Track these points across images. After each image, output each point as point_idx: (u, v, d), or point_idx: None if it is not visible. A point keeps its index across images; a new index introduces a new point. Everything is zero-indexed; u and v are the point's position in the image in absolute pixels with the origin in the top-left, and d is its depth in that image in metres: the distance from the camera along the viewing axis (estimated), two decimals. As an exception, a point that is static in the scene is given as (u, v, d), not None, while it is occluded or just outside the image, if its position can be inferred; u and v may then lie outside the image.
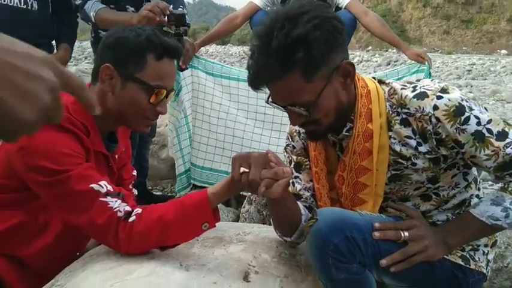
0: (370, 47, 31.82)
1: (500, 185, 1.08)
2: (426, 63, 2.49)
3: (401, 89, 1.07)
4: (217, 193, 1.05)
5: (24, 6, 1.88)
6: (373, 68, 18.62)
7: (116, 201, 1.03)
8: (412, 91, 1.05)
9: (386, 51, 28.79)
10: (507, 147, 0.98)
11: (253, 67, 0.99)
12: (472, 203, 1.15)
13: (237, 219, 2.25)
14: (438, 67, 20.14)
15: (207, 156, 2.69)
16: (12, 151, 1.04)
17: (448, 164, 1.08)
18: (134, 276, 0.97)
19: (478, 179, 1.21)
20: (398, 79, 2.55)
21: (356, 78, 1.10)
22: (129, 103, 1.17)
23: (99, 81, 1.18)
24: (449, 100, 0.99)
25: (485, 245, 1.16)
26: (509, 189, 1.03)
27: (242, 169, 0.97)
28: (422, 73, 2.48)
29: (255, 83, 1.02)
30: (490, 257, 1.17)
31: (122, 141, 1.39)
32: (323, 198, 1.22)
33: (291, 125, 1.32)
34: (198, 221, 1.05)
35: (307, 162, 1.26)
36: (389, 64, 20.79)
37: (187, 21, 1.97)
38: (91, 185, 1.02)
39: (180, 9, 1.97)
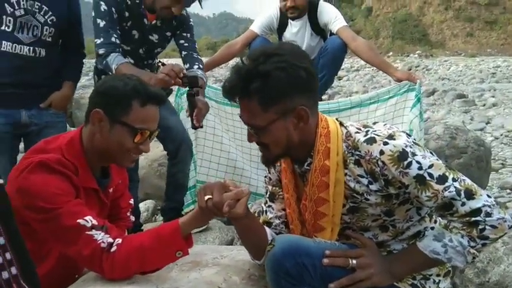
0: (391, 53, 31.55)
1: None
2: (418, 81, 2.58)
3: (356, 132, 1.20)
4: (187, 222, 1.21)
5: (33, 55, 2.08)
6: (394, 75, 18.46)
7: (100, 234, 1.20)
8: (364, 135, 1.18)
9: (408, 56, 28.50)
10: (445, 190, 1.09)
11: (227, 79, 1.19)
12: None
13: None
14: (461, 71, 19.78)
15: (210, 172, 2.84)
16: (11, 192, 1.22)
17: (400, 200, 1.20)
18: (115, 299, 1.12)
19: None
20: (390, 98, 2.65)
21: (319, 118, 1.25)
22: (115, 143, 1.34)
23: (90, 123, 1.35)
24: (394, 146, 1.12)
25: (437, 275, 1.26)
26: (450, 227, 1.13)
27: (206, 197, 1.13)
28: (413, 92, 2.57)
29: (224, 92, 1.21)
30: (442, 285, 1.27)
31: (117, 174, 1.55)
32: (294, 221, 1.36)
33: None
34: (171, 249, 1.20)
35: (281, 193, 1.40)
36: (410, 69, 20.61)
37: (205, 80, 2.18)
38: (78, 220, 1.19)
39: (193, 70, 2.19)
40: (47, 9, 2.08)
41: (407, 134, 1.18)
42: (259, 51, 1.15)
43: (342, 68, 3.37)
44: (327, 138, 1.21)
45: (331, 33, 2.88)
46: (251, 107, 1.16)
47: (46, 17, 2.08)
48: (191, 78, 2.02)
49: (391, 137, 1.14)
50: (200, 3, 2.19)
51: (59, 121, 2.26)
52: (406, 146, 1.12)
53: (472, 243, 1.10)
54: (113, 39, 2.05)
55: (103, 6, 2.05)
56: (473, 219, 1.08)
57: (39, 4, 2.05)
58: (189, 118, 2.69)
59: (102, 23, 2.05)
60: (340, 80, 15.52)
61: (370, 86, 13.66)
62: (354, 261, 1.18)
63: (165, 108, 2.31)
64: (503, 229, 1.10)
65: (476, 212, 1.08)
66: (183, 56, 2.32)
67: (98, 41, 2.05)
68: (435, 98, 10.80)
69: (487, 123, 7.57)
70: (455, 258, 1.11)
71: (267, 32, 3.04)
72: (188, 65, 2.25)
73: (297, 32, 2.94)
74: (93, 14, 2.08)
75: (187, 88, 2.09)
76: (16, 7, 2.01)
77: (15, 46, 2.04)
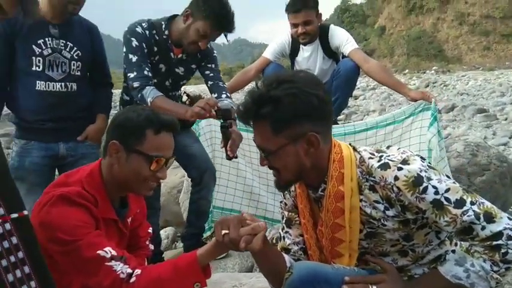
0: (407, 70, 31.40)
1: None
2: (432, 100, 2.56)
3: (369, 158, 1.20)
4: (205, 254, 1.22)
5: (65, 90, 2.20)
6: (411, 92, 18.28)
7: (119, 265, 1.21)
8: (378, 161, 1.17)
9: (424, 73, 28.31)
10: (464, 214, 1.07)
11: (241, 103, 1.21)
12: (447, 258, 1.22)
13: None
14: (480, 85, 19.48)
15: (227, 198, 2.85)
16: (34, 226, 1.25)
17: (418, 224, 1.18)
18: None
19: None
20: (405, 118, 2.63)
21: (332, 144, 1.25)
22: (132, 171, 1.37)
23: (107, 155, 1.39)
24: (408, 171, 1.11)
25: None
26: (472, 251, 1.11)
27: (223, 232, 1.14)
28: (429, 111, 2.54)
29: (238, 116, 1.24)
30: None
31: (135, 204, 1.58)
32: (312, 247, 1.35)
33: None
34: (189, 281, 1.21)
35: (297, 218, 1.40)
36: (427, 86, 20.41)
37: (235, 109, 2.21)
38: (98, 252, 1.21)
39: (222, 100, 2.26)
40: (72, 45, 2.19)
41: (421, 157, 1.16)
42: (273, 77, 1.18)
43: (357, 87, 3.38)
44: (341, 163, 1.21)
45: (343, 56, 2.91)
46: (263, 131, 1.18)
47: (72, 53, 2.20)
48: (225, 111, 2.08)
49: (405, 161, 1.13)
50: (226, 37, 2.25)
51: (93, 152, 2.35)
52: (420, 171, 1.10)
53: (495, 268, 1.07)
54: (146, 72, 2.14)
55: (134, 42, 2.15)
56: (494, 243, 1.06)
57: (64, 41, 2.17)
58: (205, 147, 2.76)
59: (134, 58, 2.14)
60: (356, 99, 15.47)
61: (387, 104, 13.56)
62: (375, 287, 1.16)
63: (188, 137, 2.35)
64: None
65: (498, 235, 1.06)
66: (209, 85, 2.39)
67: (132, 75, 2.14)
68: (455, 114, 10.63)
69: (510, 138, 7.39)
70: (478, 283, 1.08)
71: (280, 57, 3.10)
72: (216, 94, 2.32)
73: (309, 56, 2.98)
74: (124, 49, 2.18)
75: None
76: (43, 47, 2.13)
77: (48, 84, 2.15)
